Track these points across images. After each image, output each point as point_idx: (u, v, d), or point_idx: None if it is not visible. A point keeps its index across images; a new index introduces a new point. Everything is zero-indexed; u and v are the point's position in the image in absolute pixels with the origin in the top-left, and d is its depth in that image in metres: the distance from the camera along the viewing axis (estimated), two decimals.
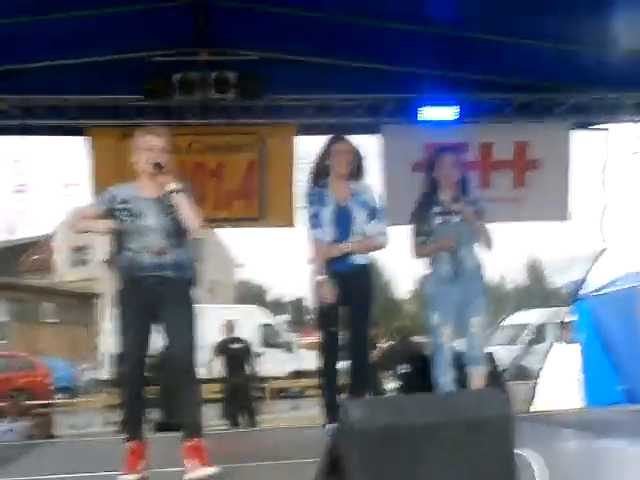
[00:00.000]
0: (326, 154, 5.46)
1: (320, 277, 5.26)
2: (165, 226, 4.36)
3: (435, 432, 2.35)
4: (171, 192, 4.34)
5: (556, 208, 8.82)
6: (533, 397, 10.02)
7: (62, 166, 74.39)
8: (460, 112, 8.35)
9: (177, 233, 4.40)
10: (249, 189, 8.63)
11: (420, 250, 5.54)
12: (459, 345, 5.47)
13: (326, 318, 5.31)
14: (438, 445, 2.34)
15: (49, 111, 8.13)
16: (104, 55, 7.67)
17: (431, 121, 8.35)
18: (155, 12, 7.12)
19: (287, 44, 7.78)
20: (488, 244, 5.51)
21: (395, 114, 8.49)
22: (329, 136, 5.60)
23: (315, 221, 5.37)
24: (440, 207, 5.47)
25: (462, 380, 5.34)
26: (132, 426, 4.42)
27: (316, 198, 5.40)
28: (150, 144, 4.39)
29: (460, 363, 5.40)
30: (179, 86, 7.78)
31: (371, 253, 5.46)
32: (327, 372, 5.35)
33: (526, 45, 7.26)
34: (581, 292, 9.94)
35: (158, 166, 4.32)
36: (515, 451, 2.44)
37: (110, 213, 4.38)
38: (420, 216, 5.54)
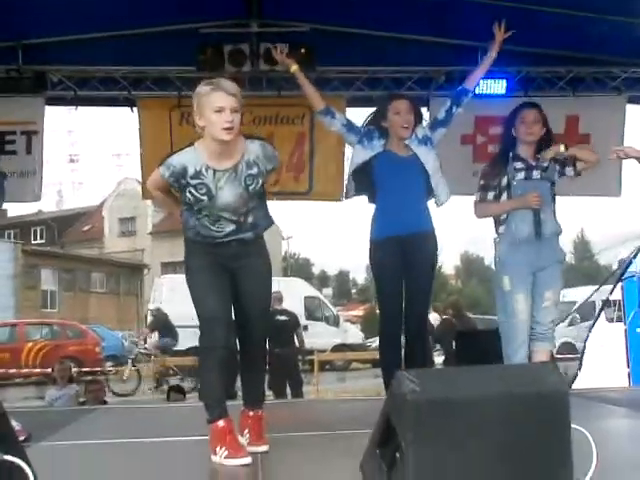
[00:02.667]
0: (383, 113, 5.05)
1: None
2: (244, 197, 3.83)
3: (489, 405, 2.35)
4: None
5: (607, 183, 8.68)
6: (576, 374, 9.95)
7: (113, 137, 75.16)
8: (511, 85, 8.26)
9: (256, 196, 3.91)
10: (298, 162, 8.65)
11: (491, 207, 4.91)
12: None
13: (388, 283, 4.94)
14: (492, 418, 2.34)
15: (101, 82, 8.23)
16: (156, 26, 7.73)
17: (481, 94, 8.25)
18: None
19: (337, 16, 7.77)
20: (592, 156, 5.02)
21: (445, 87, 8.42)
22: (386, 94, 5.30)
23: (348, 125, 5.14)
24: (521, 163, 4.87)
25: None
26: (222, 401, 3.82)
27: (362, 132, 5.08)
28: (219, 105, 3.66)
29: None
30: (229, 57, 7.80)
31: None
32: (388, 342, 5.01)
33: (580, 17, 7.13)
34: (629, 271, 9.80)
35: (230, 130, 3.67)
36: (572, 427, 2.43)
37: (179, 188, 3.80)
38: (495, 170, 4.91)
